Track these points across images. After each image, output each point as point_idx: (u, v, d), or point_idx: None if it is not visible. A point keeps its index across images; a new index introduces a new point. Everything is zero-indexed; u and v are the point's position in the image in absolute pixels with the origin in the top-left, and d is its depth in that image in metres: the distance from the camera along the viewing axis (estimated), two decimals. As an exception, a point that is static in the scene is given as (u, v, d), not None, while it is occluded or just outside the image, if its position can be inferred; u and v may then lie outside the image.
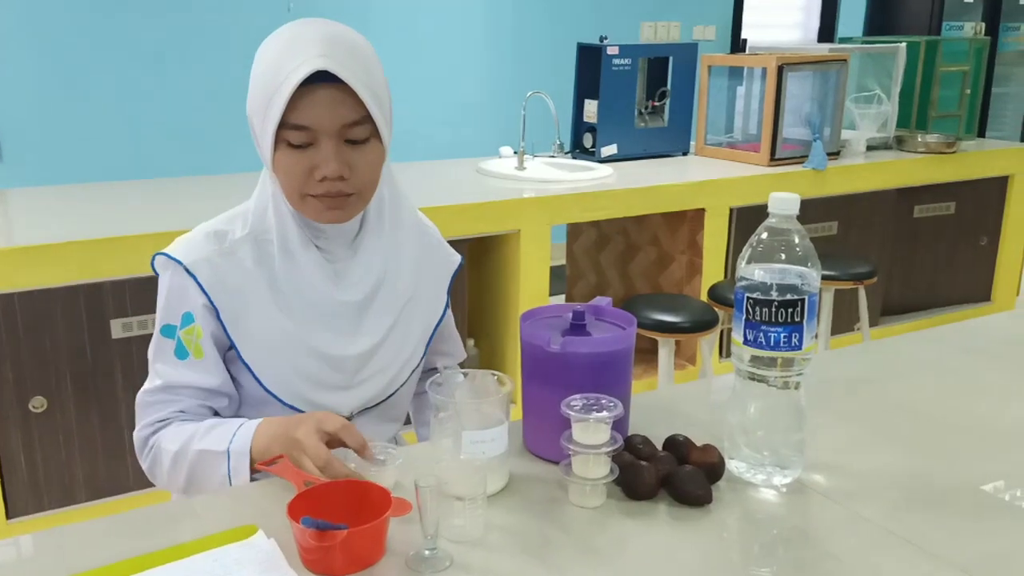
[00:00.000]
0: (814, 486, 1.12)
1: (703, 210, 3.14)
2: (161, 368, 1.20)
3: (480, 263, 3.00)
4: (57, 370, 2.18)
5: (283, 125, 1.11)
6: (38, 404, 2.17)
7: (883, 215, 3.58)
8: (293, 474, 1.02)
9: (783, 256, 1.08)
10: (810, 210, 3.43)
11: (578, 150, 3.44)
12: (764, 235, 1.09)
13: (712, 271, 3.19)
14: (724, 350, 3.34)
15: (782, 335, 1.07)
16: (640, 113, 3.47)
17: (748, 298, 1.08)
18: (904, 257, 3.76)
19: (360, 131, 1.14)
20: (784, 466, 1.12)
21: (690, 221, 3.19)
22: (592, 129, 3.36)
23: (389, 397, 1.28)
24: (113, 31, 3.96)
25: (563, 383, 1.12)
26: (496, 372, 1.13)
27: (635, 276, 3.45)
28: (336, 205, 1.16)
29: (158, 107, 4.12)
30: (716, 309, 2.79)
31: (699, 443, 1.14)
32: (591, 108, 3.35)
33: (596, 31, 3.55)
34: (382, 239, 1.25)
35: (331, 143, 1.12)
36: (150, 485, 1.38)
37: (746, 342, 1.10)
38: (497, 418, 1.08)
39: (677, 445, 1.15)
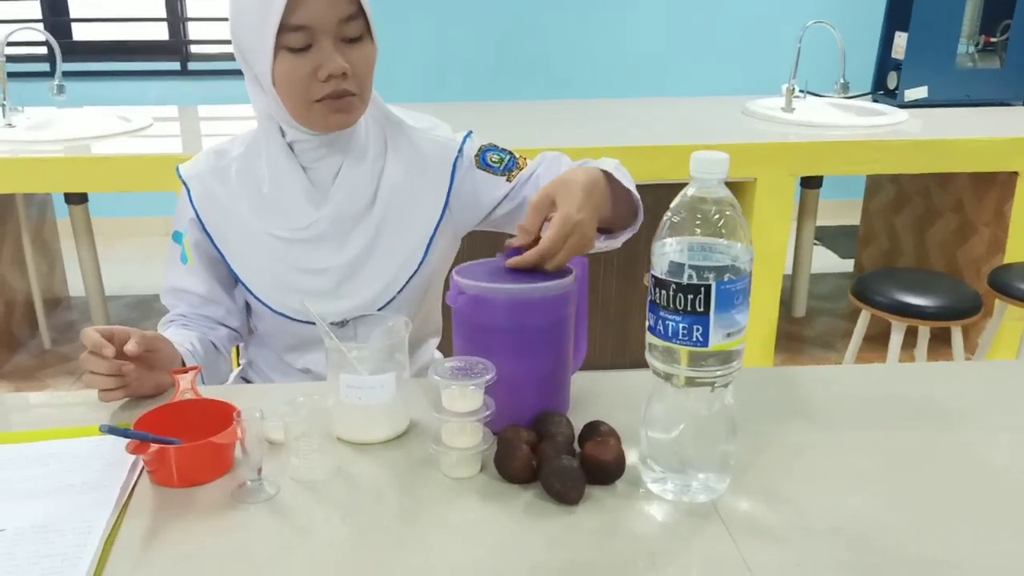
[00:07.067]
0: (729, 515, 0.91)
1: (1015, 174, 2.55)
2: (169, 270, 1.34)
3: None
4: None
5: (281, 29, 1.13)
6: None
7: None
8: (177, 386, 1.08)
9: (698, 230, 0.87)
10: None
11: (881, 92, 2.97)
12: (683, 202, 0.89)
13: (1018, 249, 2.60)
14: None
15: (681, 325, 0.87)
16: (967, 51, 2.88)
17: (653, 276, 0.90)
18: None
19: (354, 27, 1.17)
20: (689, 482, 0.93)
21: (1000, 186, 2.62)
22: (898, 67, 2.87)
23: (389, 303, 1.29)
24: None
25: (477, 341, 1.03)
26: (408, 319, 1.07)
27: (931, 246, 2.94)
28: (341, 108, 1.19)
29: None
30: (988, 296, 2.29)
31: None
32: (900, 42, 2.85)
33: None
34: (367, 157, 1.27)
35: (330, 41, 1.15)
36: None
37: (649, 328, 0.91)
38: (381, 366, 1.03)
39: (590, 433, 1.00)
